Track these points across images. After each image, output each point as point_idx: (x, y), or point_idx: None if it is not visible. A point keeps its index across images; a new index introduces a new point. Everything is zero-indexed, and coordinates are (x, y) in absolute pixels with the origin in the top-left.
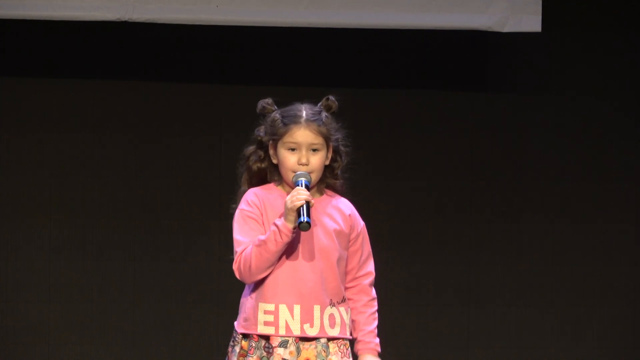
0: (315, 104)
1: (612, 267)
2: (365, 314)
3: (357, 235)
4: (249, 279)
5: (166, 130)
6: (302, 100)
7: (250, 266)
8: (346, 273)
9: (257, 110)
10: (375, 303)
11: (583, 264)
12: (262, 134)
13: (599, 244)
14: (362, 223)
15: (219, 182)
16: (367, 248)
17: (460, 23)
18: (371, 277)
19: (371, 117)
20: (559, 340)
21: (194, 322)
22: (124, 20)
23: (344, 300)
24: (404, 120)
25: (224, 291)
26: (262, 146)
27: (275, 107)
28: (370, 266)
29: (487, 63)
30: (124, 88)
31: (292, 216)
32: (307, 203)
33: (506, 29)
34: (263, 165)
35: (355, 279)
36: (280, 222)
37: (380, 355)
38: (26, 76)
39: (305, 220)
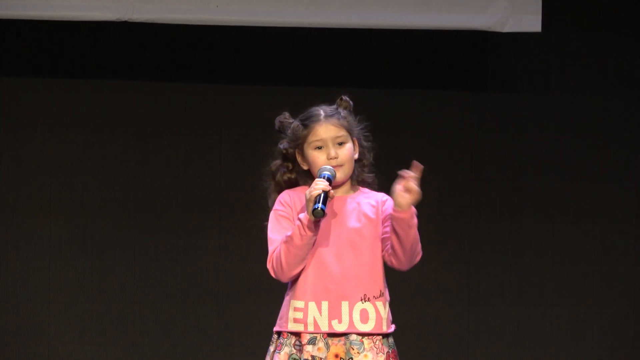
0: (330, 105)
1: (612, 267)
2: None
3: (386, 208)
4: (283, 277)
5: (166, 130)
6: (303, 100)
7: (281, 263)
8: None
9: (276, 127)
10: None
11: (583, 264)
12: (285, 146)
13: (599, 244)
14: (386, 197)
15: (219, 182)
16: None
17: (460, 23)
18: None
19: (371, 117)
20: (559, 340)
21: (194, 322)
22: (124, 20)
23: (381, 294)
24: (404, 120)
25: (224, 291)
26: (288, 158)
27: (292, 118)
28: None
29: (487, 63)
30: (124, 88)
31: (312, 207)
32: (325, 193)
33: (506, 29)
34: (293, 175)
35: None
36: (302, 215)
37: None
38: (26, 76)
39: (320, 207)
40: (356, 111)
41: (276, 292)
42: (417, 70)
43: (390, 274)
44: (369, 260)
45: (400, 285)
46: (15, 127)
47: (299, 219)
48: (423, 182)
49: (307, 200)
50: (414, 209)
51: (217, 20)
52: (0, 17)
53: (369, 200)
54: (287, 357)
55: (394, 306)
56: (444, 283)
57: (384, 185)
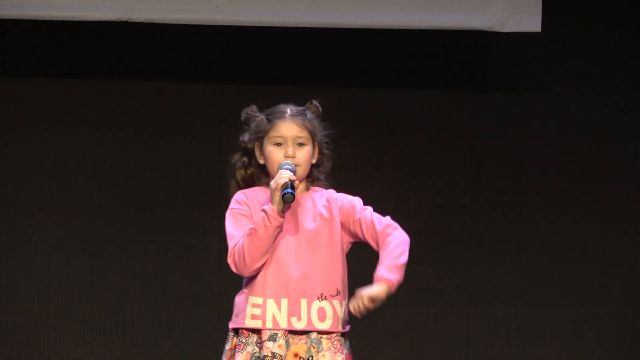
0: (300, 106)
1: (612, 267)
2: (386, 249)
3: (351, 208)
4: (245, 271)
5: (166, 130)
6: (303, 100)
7: (244, 256)
8: (369, 242)
9: (242, 119)
10: (399, 233)
11: (583, 264)
12: (245, 139)
13: (599, 244)
14: (351, 198)
15: (219, 182)
16: (369, 211)
17: (460, 23)
18: (385, 221)
19: (371, 117)
20: (559, 340)
21: (194, 322)
22: (124, 20)
23: (338, 293)
24: (404, 120)
25: (224, 291)
26: (247, 152)
27: (259, 113)
28: (384, 220)
29: (487, 63)
30: (124, 88)
31: (278, 197)
32: (291, 181)
33: (506, 29)
34: (248, 171)
35: (378, 237)
36: (267, 207)
37: (379, 355)
38: (26, 76)
39: (289, 191)
40: (352, 111)
41: None
42: (417, 70)
43: None
44: (326, 259)
45: (400, 285)
46: (15, 127)
47: (264, 210)
48: (423, 182)
49: (273, 190)
50: (391, 288)
51: (217, 20)
52: (0, 17)
53: (322, 199)
54: (250, 356)
55: (394, 306)
56: (444, 283)
57: (384, 184)
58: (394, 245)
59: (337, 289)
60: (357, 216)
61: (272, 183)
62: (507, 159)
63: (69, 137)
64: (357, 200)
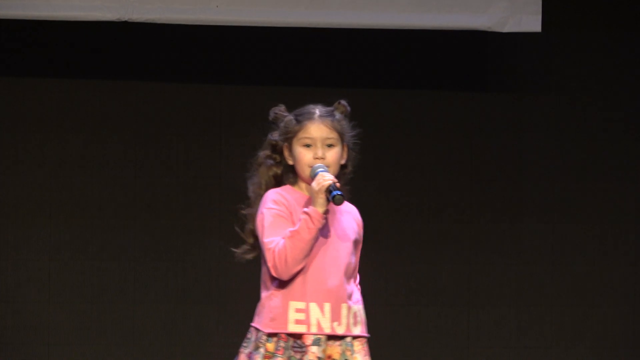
0: (327, 106)
1: (612, 267)
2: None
3: (361, 241)
4: (286, 274)
5: (166, 130)
6: (303, 100)
7: (286, 260)
8: None
9: (270, 118)
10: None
11: (583, 264)
12: (276, 137)
13: (599, 244)
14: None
15: (219, 182)
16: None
17: (460, 23)
18: (358, 278)
19: (371, 117)
20: (559, 340)
21: (194, 322)
22: (124, 20)
23: (359, 300)
24: (404, 120)
25: (224, 291)
26: (276, 150)
27: (287, 112)
28: (357, 277)
29: (487, 63)
30: (124, 88)
31: (322, 199)
32: (334, 184)
33: (506, 29)
34: (278, 169)
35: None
36: (309, 209)
37: (379, 355)
38: (26, 76)
39: (339, 193)
40: (354, 112)
41: None
42: (417, 70)
43: (391, 274)
44: (354, 266)
45: (400, 285)
46: (15, 127)
47: (306, 213)
48: (423, 182)
49: (317, 192)
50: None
51: (217, 20)
52: (0, 17)
53: (351, 212)
54: None
55: (394, 306)
56: (444, 283)
57: (384, 184)
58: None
59: (359, 295)
60: (358, 249)
61: (314, 185)
62: (507, 159)
63: (69, 137)
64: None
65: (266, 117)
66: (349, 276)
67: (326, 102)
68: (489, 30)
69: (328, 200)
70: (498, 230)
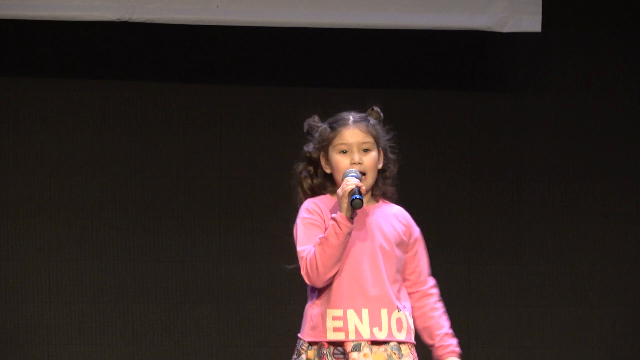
0: (360, 112)
1: (612, 267)
2: (434, 318)
3: (415, 242)
4: (319, 281)
5: (166, 130)
6: (304, 99)
7: (317, 267)
8: (406, 280)
9: (305, 130)
10: (441, 304)
11: (583, 264)
12: (310, 149)
13: (599, 244)
14: (417, 229)
15: (219, 182)
16: (424, 253)
17: (460, 23)
18: (430, 280)
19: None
20: (559, 340)
21: (194, 322)
22: (124, 20)
23: (406, 307)
24: (404, 120)
25: (224, 291)
26: (312, 161)
27: (321, 122)
28: (429, 270)
29: (487, 63)
30: (124, 88)
31: (346, 203)
32: (358, 188)
33: (506, 29)
34: (315, 181)
35: (416, 284)
36: (336, 215)
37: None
38: (26, 76)
39: (357, 197)
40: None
41: (276, 292)
42: (417, 70)
43: None
44: (396, 272)
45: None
46: (15, 127)
47: (333, 219)
48: (423, 182)
49: (341, 197)
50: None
51: (217, 20)
52: (0, 17)
53: (396, 214)
54: None
55: None
56: (444, 283)
57: None
58: (443, 314)
59: (405, 302)
60: (415, 251)
61: (340, 190)
62: (507, 159)
63: (69, 137)
64: (420, 234)
65: (266, 117)
66: (393, 280)
67: (324, 100)
68: (489, 30)
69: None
70: (498, 230)
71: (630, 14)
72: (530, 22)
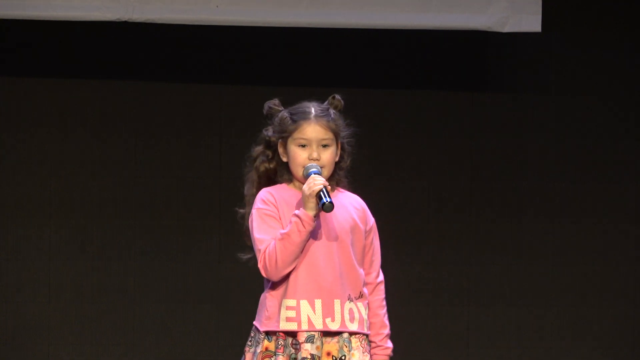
0: (322, 102)
1: (612, 267)
2: (379, 316)
3: (369, 231)
4: (276, 275)
5: (166, 130)
6: (304, 99)
7: (276, 261)
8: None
9: (264, 112)
10: (385, 303)
11: (583, 264)
12: (270, 133)
13: (599, 244)
14: (372, 219)
15: (219, 182)
16: (378, 245)
17: (460, 23)
18: (381, 275)
19: (371, 117)
20: (559, 340)
21: (194, 322)
22: (124, 20)
23: (361, 295)
24: (404, 120)
25: (224, 291)
26: (270, 146)
27: (282, 107)
28: (380, 263)
29: (487, 63)
30: (124, 88)
31: (312, 203)
32: (325, 187)
33: (506, 29)
34: (271, 165)
35: (367, 274)
36: (300, 212)
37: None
38: (26, 76)
39: (328, 200)
40: (352, 111)
41: None
42: (417, 70)
43: (391, 274)
44: (352, 261)
45: (400, 285)
46: (15, 127)
47: (297, 216)
48: (423, 182)
49: (307, 196)
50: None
51: (217, 20)
52: (0, 17)
53: (351, 202)
54: (288, 358)
55: (394, 306)
56: (444, 283)
57: (384, 184)
58: (386, 312)
59: (360, 292)
60: (369, 241)
61: (306, 188)
62: (507, 159)
63: (69, 137)
64: (374, 224)
65: (264, 119)
66: (349, 270)
67: (324, 100)
68: (489, 30)
69: (318, 205)
70: (498, 230)
71: (630, 13)
72: (530, 22)
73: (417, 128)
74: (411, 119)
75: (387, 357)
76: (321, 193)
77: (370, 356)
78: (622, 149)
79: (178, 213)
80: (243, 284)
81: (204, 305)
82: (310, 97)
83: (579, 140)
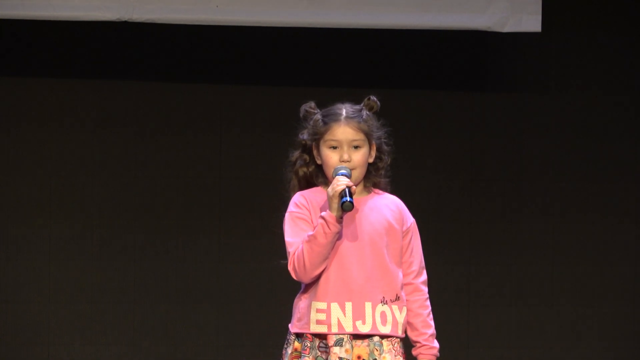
0: (356, 104)
1: (612, 267)
2: (421, 316)
3: (407, 231)
4: (305, 277)
5: (166, 129)
6: (304, 99)
7: (304, 263)
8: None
9: (300, 115)
10: (429, 302)
11: (583, 264)
12: (305, 137)
13: (599, 244)
14: (412, 219)
15: (219, 182)
16: (418, 245)
17: (460, 23)
18: (423, 275)
19: None
20: (559, 340)
21: (194, 322)
22: (124, 20)
23: (397, 298)
24: (404, 120)
25: (224, 291)
26: (307, 149)
27: (318, 109)
28: (422, 263)
29: (487, 63)
30: (124, 88)
31: (336, 204)
32: (348, 188)
33: (506, 29)
34: (310, 169)
35: (406, 275)
36: (325, 213)
37: None
38: (26, 76)
39: (348, 200)
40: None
41: (276, 292)
42: (417, 70)
43: None
44: (387, 263)
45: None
46: (15, 127)
47: (322, 217)
48: (423, 182)
49: (331, 197)
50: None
51: (217, 20)
52: (0, 17)
53: (387, 203)
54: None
55: None
56: (444, 283)
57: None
58: (430, 312)
59: (396, 294)
60: (407, 241)
61: (330, 190)
62: (507, 159)
63: (69, 137)
64: (414, 224)
65: (266, 117)
66: (383, 272)
67: (325, 100)
68: (489, 30)
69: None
70: (498, 230)
71: (630, 14)
72: (530, 22)
73: (417, 128)
74: (411, 118)
75: (433, 357)
76: (343, 192)
77: (416, 356)
78: (622, 149)
79: (178, 213)
80: (243, 284)
81: (204, 305)
82: (310, 97)
83: (578, 140)
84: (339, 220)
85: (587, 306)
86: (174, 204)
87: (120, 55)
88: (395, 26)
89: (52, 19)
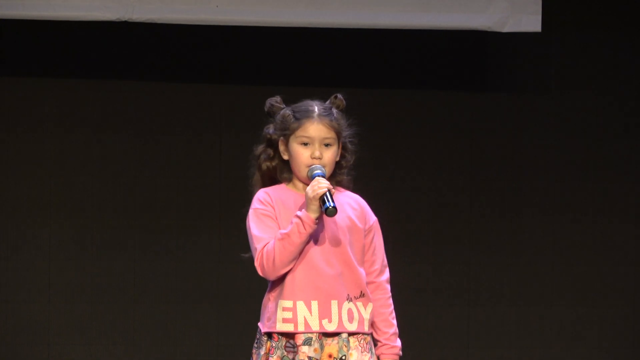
0: (324, 102)
1: (612, 267)
2: (383, 315)
3: (369, 230)
4: (273, 275)
5: (166, 130)
6: (304, 99)
7: (273, 261)
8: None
9: (265, 109)
10: (391, 301)
11: (583, 263)
12: (271, 131)
13: (599, 244)
14: (374, 217)
15: (219, 182)
16: (380, 243)
17: (460, 23)
18: (386, 273)
19: (371, 117)
20: (559, 340)
21: (194, 322)
22: (124, 20)
23: (362, 295)
24: (404, 120)
25: (224, 291)
26: (272, 144)
27: (284, 104)
28: (384, 261)
29: (487, 63)
30: (124, 88)
31: (315, 205)
32: (329, 191)
33: (506, 29)
34: (273, 163)
35: (369, 273)
36: (302, 213)
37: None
38: (26, 76)
39: (332, 205)
40: (353, 111)
41: None
42: (417, 70)
43: (390, 274)
44: (351, 261)
45: (400, 285)
46: (15, 127)
47: (299, 217)
48: (423, 182)
49: (310, 198)
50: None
51: (217, 20)
52: (0, 17)
53: (349, 201)
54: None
55: (394, 305)
56: (444, 283)
57: (384, 184)
58: (393, 311)
59: (361, 291)
60: (369, 239)
61: (309, 190)
62: (507, 159)
63: (69, 137)
64: (376, 222)
65: (266, 117)
66: (348, 270)
67: (325, 100)
68: (489, 30)
69: (322, 209)
70: (498, 230)
71: (630, 14)
72: (530, 22)
73: (417, 128)
74: (411, 118)
75: (396, 356)
76: (325, 197)
77: (378, 356)
78: (622, 148)
79: (178, 213)
80: (243, 284)
81: (204, 305)
82: (310, 97)
83: (578, 140)
84: (316, 221)
85: (587, 306)
86: (174, 204)
87: (120, 55)
88: (395, 26)
89: (52, 19)
